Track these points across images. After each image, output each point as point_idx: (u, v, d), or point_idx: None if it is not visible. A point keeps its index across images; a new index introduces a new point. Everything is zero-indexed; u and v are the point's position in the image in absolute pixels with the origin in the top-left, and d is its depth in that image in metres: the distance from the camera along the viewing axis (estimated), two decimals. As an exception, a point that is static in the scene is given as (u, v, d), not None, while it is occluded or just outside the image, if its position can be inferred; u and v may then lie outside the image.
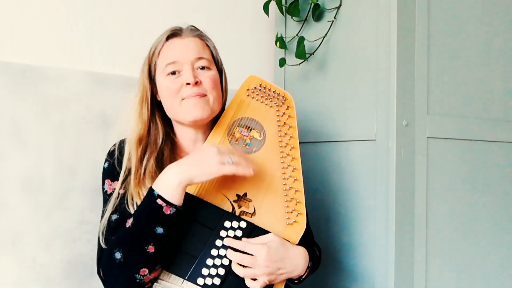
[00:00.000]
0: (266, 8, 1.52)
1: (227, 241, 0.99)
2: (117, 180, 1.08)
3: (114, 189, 1.07)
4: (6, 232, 1.25)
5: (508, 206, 1.46)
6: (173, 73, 1.08)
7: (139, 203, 1.02)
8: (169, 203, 0.94)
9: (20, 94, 1.28)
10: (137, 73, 1.40)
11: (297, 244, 1.06)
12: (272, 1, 1.53)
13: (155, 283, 0.99)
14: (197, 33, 1.13)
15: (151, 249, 0.94)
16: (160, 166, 1.07)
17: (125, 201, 1.05)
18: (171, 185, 0.95)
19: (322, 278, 1.42)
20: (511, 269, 1.46)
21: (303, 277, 1.05)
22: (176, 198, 0.95)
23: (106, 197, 1.08)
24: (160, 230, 0.94)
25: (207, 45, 1.14)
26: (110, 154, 1.12)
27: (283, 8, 1.56)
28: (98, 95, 1.38)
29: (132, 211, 1.03)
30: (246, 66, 1.67)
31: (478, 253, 1.39)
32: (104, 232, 1.03)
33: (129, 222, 0.96)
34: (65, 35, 1.37)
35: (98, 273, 1.01)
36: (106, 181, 1.10)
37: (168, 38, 1.10)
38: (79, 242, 1.34)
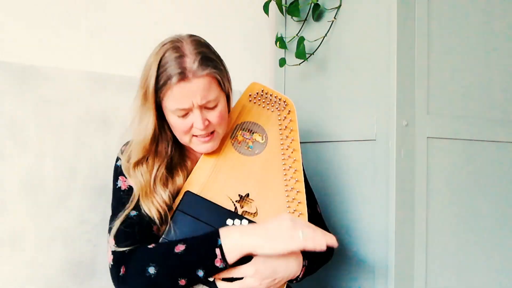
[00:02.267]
0: (266, 8, 1.52)
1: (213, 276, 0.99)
2: None
3: (129, 185, 1.07)
4: (6, 232, 1.25)
5: (508, 206, 1.46)
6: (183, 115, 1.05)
7: (151, 211, 1.02)
8: (224, 260, 0.96)
9: (20, 94, 1.28)
10: (137, 73, 1.40)
11: None
12: (272, 1, 1.53)
13: None
14: (205, 71, 1.01)
15: (182, 282, 0.96)
16: (170, 171, 1.09)
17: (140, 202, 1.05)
18: (236, 248, 0.96)
19: (323, 278, 1.42)
20: (511, 269, 1.46)
21: (300, 276, 1.05)
22: (232, 258, 0.96)
23: (121, 193, 1.07)
24: (200, 273, 0.96)
25: (215, 78, 1.04)
26: (122, 152, 1.12)
27: (283, 8, 1.56)
28: (98, 95, 1.38)
29: (146, 210, 1.03)
30: (246, 66, 1.67)
31: (478, 253, 1.39)
32: (125, 228, 1.02)
33: (179, 248, 0.97)
34: (65, 35, 1.37)
35: (115, 265, 1.00)
36: (120, 177, 1.09)
37: (177, 81, 1.01)
38: (79, 242, 1.34)
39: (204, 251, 0.96)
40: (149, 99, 1.04)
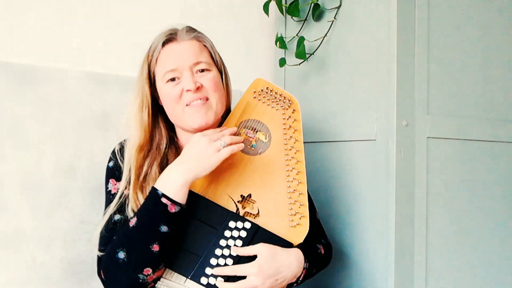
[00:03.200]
0: (266, 8, 1.52)
1: (216, 272, 0.99)
2: (121, 179, 1.08)
3: (119, 189, 1.07)
4: (6, 232, 1.25)
5: (508, 206, 1.46)
6: (173, 79, 1.06)
7: (137, 206, 1.02)
8: (174, 202, 0.95)
9: (20, 94, 1.28)
10: (136, 73, 1.40)
11: (304, 239, 1.06)
12: (272, 1, 1.53)
13: (158, 281, 0.99)
14: (193, 34, 1.10)
15: (155, 248, 0.94)
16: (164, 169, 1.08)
17: (126, 204, 1.04)
18: (176, 185, 0.96)
19: (323, 277, 1.42)
20: (511, 269, 1.46)
21: (300, 277, 1.05)
22: (181, 197, 0.96)
23: (110, 196, 1.08)
24: (164, 228, 0.95)
25: (205, 46, 1.11)
26: (114, 153, 1.11)
27: (283, 8, 1.56)
28: (98, 95, 1.38)
29: (131, 215, 1.02)
30: (246, 66, 1.67)
31: (478, 253, 1.39)
32: (105, 232, 1.03)
33: (133, 222, 0.96)
34: (65, 35, 1.37)
35: (99, 274, 1.01)
36: (110, 180, 1.09)
37: (164, 43, 1.08)
38: (79, 242, 1.34)
39: (153, 208, 0.96)
40: (143, 73, 1.09)
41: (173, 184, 0.96)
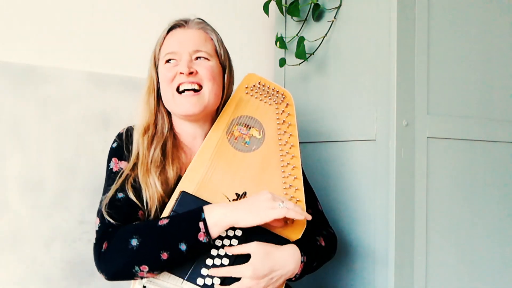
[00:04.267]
0: (266, 8, 1.52)
1: (211, 272, 0.99)
2: (124, 160, 1.09)
3: (121, 168, 1.08)
4: (6, 232, 1.25)
5: (508, 206, 1.46)
6: (170, 61, 1.09)
7: (145, 190, 1.03)
8: (207, 233, 0.96)
9: (20, 94, 1.28)
10: (137, 73, 1.40)
11: (305, 230, 1.06)
12: (272, 1, 1.53)
13: (154, 285, 0.99)
14: (201, 26, 1.14)
15: (164, 256, 0.95)
16: (164, 155, 1.09)
17: (126, 183, 1.05)
18: (219, 222, 0.96)
19: (323, 277, 1.42)
20: (511, 269, 1.46)
21: (298, 273, 1.04)
22: (215, 233, 0.97)
23: (111, 174, 1.08)
24: (183, 247, 0.95)
25: (211, 38, 1.14)
26: (119, 136, 1.13)
27: (283, 8, 1.56)
28: (98, 95, 1.38)
29: (131, 196, 1.03)
30: (246, 66, 1.67)
31: (478, 252, 1.39)
32: (108, 209, 1.03)
33: (163, 222, 0.97)
34: (65, 35, 1.37)
35: (98, 242, 1.00)
36: (113, 159, 1.10)
37: (171, 28, 1.12)
38: (79, 242, 1.34)
39: (187, 225, 0.96)
40: (152, 58, 1.13)
41: (218, 218, 0.97)
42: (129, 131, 1.13)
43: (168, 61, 1.09)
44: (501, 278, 1.44)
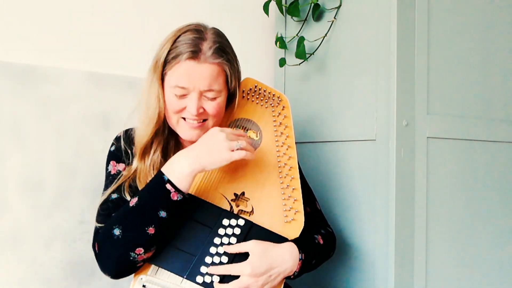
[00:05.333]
0: (266, 8, 1.52)
1: (210, 270, 0.99)
2: (122, 162, 1.10)
3: (118, 170, 1.09)
4: (6, 232, 1.25)
5: (508, 206, 1.46)
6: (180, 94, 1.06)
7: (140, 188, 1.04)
8: (177, 190, 0.96)
9: (20, 94, 1.28)
10: (136, 73, 1.40)
11: (303, 229, 1.06)
12: (272, 1, 1.53)
13: (154, 284, 0.99)
14: (217, 60, 1.04)
15: (151, 230, 0.95)
16: (164, 157, 1.10)
17: (123, 186, 1.06)
18: (182, 173, 0.97)
19: (322, 277, 1.42)
20: (511, 269, 1.46)
21: (297, 270, 1.05)
22: (185, 185, 0.97)
23: (110, 177, 1.09)
24: (163, 214, 0.96)
25: (223, 71, 1.07)
26: (117, 139, 1.14)
27: (283, 8, 1.56)
28: (98, 95, 1.38)
29: (128, 198, 1.04)
30: (246, 66, 1.66)
31: (478, 253, 1.39)
32: (101, 210, 1.05)
33: (133, 201, 0.98)
34: (65, 35, 1.37)
35: (93, 246, 1.02)
36: (111, 162, 1.11)
37: (187, 58, 1.02)
38: (79, 242, 1.34)
39: (156, 192, 0.97)
40: (157, 70, 1.06)
41: (180, 171, 0.97)
42: (127, 133, 1.13)
43: (176, 94, 1.05)
44: (501, 278, 1.44)
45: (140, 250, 0.96)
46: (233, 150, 0.99)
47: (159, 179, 0.97)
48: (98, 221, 1.04)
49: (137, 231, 0.95)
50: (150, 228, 0.95)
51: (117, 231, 0.96)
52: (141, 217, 0.96)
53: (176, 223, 1.00)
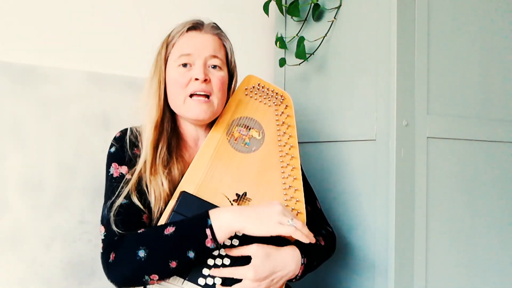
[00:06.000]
0: (266, 8, 1.52)
1: (213, 272, 0.99)
2: (124, 164, 1.07)
3: (121, 173, 1.06)
4: (6, 232, 1.25)
5: (508, 206, 1.46)
6: (184, 65, 1.08)
7: (153, 190, 1.03)
8: (214, 238, 0.95)
9: (20, 94, 1.28)
10: (137, 73, 1.40)
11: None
12: (272, 1, 1.53)
13: (156, 284, 0.99)
14: (217, 31, 1.13)
15: (173, 264, 0.95)
16: (169, 153, 1.09)
17: (130, 190, 1.04)
18: (226, 227, 0.95)
19: (322, 277, 1.42)
20: (511, 269, 1.46)
21: (299, 274, 1.04)
22: (222, 237, 0.96)
23: (113, 180, 1.06)
24: (191, 254, 0.95)
25: (224, 45, 1.14)
26: (117, 139, 1.11)
27: (283, 8, 1.56)
28: (98, 95, 1.38)
29: (135, 200, 1.02)
30: (246, 66, 1.66)
31: (478, 253, 1.39)
32: (115, 215, 1.01)
33: (169, 230, 0.96)
34: (65, 35, 1.37)
35: (105, 252, 1.00)
36: (113, 164, 1.08)
37: (188, 29, 1.10)
38: (79, 242, 1.34)
39: (194, 232, 0.95)
40: (161, 54, 1.10)
41: (224, 223, 0.95)
42: (127, 133, 1.11)
43: (182, 65, 1.07)
44: (501, 278, 1.44)
45: (155, 277, 0.95)
46: (283, 224, 0.96)
47: (203, 220, 0.96)
48: (111, 228, 1.00)
49: (161, 261, 0.95)
50: (173, 262, 0.94)
51: (142, 253, 0.95)
52: (170, 250, 0.95)
53: (196, 265, 0.98)
